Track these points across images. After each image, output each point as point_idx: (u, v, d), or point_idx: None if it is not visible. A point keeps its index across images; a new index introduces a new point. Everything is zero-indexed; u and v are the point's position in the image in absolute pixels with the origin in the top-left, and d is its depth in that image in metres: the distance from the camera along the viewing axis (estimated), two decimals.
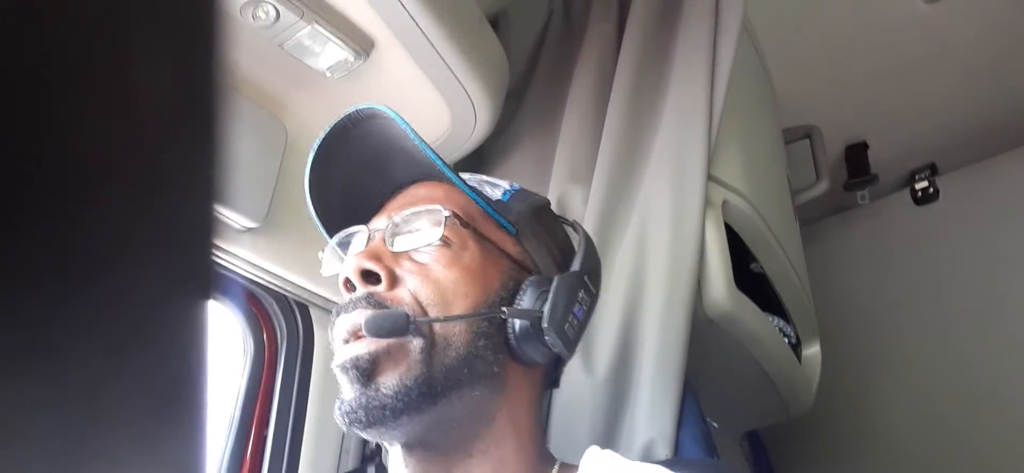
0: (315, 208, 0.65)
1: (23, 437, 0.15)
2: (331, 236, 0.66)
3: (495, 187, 0.67)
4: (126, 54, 0.16)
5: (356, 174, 0.65)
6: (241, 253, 0.90)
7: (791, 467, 1.76)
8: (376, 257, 0.59)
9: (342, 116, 0.62)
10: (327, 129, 0.63)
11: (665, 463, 0.69)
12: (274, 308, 1.00)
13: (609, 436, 0.84)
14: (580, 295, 0.63)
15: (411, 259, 0.60)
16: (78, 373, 0.16)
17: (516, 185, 0.69)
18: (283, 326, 1.01)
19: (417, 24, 0.82)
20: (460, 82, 0.90)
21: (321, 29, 0.82)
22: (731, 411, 1.25)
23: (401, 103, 0.94)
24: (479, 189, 0.64)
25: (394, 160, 0.64)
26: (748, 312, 0.98)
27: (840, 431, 1.79)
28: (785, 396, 1.18)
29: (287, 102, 0.95)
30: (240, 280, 0.94)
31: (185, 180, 0.17)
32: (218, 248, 0.89)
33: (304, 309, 1.01)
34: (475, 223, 0.62)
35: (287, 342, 1.00)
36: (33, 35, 0.14)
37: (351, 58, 0.86)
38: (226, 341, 0.98)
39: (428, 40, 0.83)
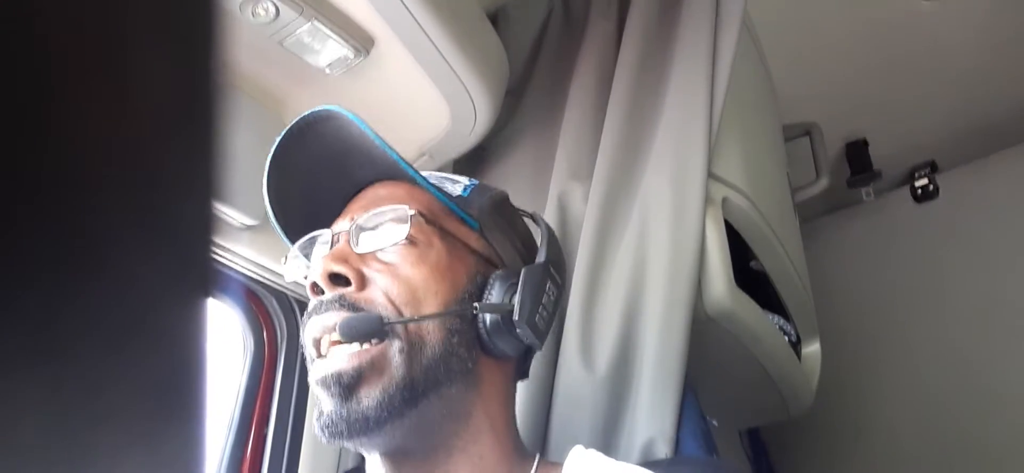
0: (276, 214, 0.65)
1: (22, 436, 0.15)
2: (294, 241, 0.66)
3: (455, 184, 0.68)
4: (125, 51, 0.16)
5: (314, 177, 0.65)
6: (241, 250, 0.90)
7: (791, 465, 1.77)
8: (343, 259, 0.59)
9: (296, 119, 0.61)
10: (281, 134, 0.62)
11: (659, 463, 0.69)
12: (274, 306, 1.01)
13: (609, 434, 0.84)
14: (547, 285, 0.63)
15: (377, 259, 0.60)
16: (77, 372, 0.15)
17: (474, 181, 0.69)
18: (283, 324, 1.01)
19: (417, 21, 0.81)
20: (460, 79, 0.90)
21: (321, 26, 0.82)
22: (731, 409, 1.25)
23: (401, 100, 0.94)
24: (440, 186, 0.65)
25: (353, 161, 0.64)
26: (748, 310, 0.98)
27: (840, 429, 1.79)
28: (785, 394, 1.18)
29: (287, 99, 0.95)
30: (240, 278, 0.94)
31: (184, 177, 0.17)
32: (217, 245, 0.89)
33: (304, 307, 1.01)
34: (439, 220, 0.62)
35: (287, 340, 1.00)
36: (31, 33, 0.14)
37: (351, 55, 0.86)
38: (226, 339, 0.98)
39: (428, 37, 0.83)
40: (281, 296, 1.00)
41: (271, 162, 0.63)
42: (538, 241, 0.69)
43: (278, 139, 0.62)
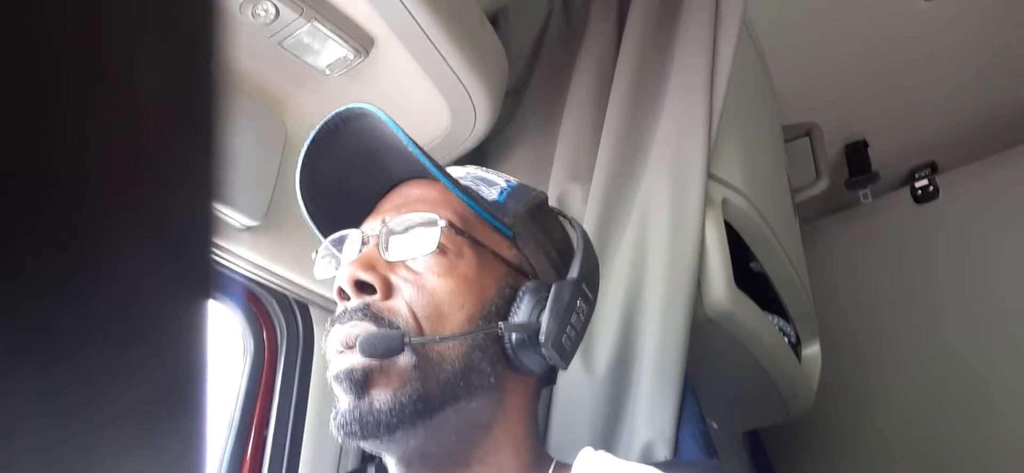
0: (307, 207, 0.64)
1: (22, 437, 0.15)
2: (325, 236, 0.65)
3: (491, 186, 0.66)
4: (125, 52, 0.16)
5: (347, 173, 0.64)
6: (241, 252, 0.90)
7: (791, 467, 1.76)
8: (370, 266, 0.58)
9: (330, 115, 0.61)
10: (316, 128, 0.62)
11: (662, 464, 0.69)
12: (274, 307, 1.00)
13: (609, 435, 0.84)
14: (578, 303, 0.61)
15: (406, 266, 0.59)
16: (77, 373, 0.15)
17: (513, 181, 0.68)
18: (283, 325, 1.01)
19: (417, 22, 0.81)
20: (460, 80, 0.90)
21: (321, 27, 0.82)
22: (731, 411, 1.25)
23: (400, 101, 0.94)
24: (475, 190, 0.63)
25: (386, 158, 0.63)
26: (748, 311, 0.98)
27: (840, 431, 1.79)
28: (785, 396, 1.18)
29: (287, 100, 0.94)
30: (240, 279, 0.94)
31: (184, 178, 0.17)
32: (218, 247, 0.89)
33: (304, 308, 1.01)
34: (470, 228, 0.61)
35: (287, 341, 1.00)
36: (31, 33, 0.14)
37: (351, 56, 0.86)
38: (226, 340, 0.97)
39: (428, 38, 0.83)
40: (281, 297, 1.00)
41: (305, 155, 0.62)
42: (575, 247, 0.67)
43: (313, 132, 0.62)
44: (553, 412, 0.86)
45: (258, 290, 0.98)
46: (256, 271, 0.92)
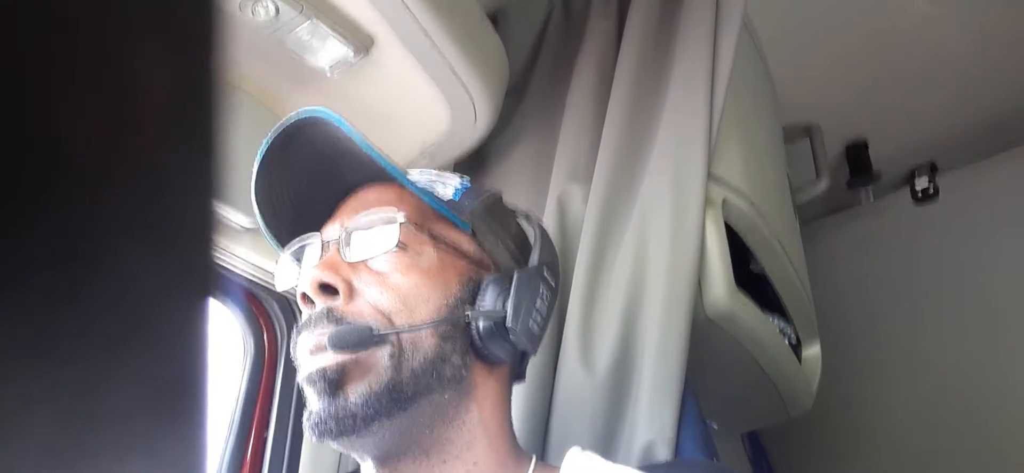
0: (265, 218, 0.64)
1: (22, 436, 0.15)
2: (283, 246, 0.65)
3: (446, 185, 0.67)
4: (125, 51, 0.16)
5: (304, 180, 0.64)
6: (241, 252, 0.90)
7: (791, 467, 1.77)
8: (333, 269, 0.58)
9: (283, 123, 0.60)
10: (270, 137, 0.61)
11: (659, 466, 0.69)
12: (274, 308, 1.00)
13: (609, 436, 0.84)
14: (541, 289, 0.63)
15: (368, 268, 0.59)
16: (78, 372, 0.15)
17: (466, 181, 0.68)
18: (283, 326, 1.01)
19: (417, 21, 0.81)
20: (460, 80, 0.90)
21: (321, 25, 0.82)
22: (731, 411, 1.25)
23: (400, 100, 0.94)
24: (430, 189, 0.64)
25: (343, 164, 0.63)
26: (748, 312, 0.98)
27: (840, 431, 1.79)
28: (785, 396, 1.18)
29: (287, 99, 0.94)
30: (240, 279, 0.94)
31: (184, 178, 0.17)
32: (218, 247, 0.89)
33: None
34: (430, 224, 0.61)
35: (287, 342, 1.00)
36: (31, 32, 0.14)
37: (351, 55, 0.86)
38: (226, 341, 0.97)
39: (428, 37, 0.83)
40: (281, 298, 1.00)
41: (259, 166, 0.62)
42: (532, 241, 0.68)
43: (266, 143, 0.61)
44: (553, 412, 0.86)
45: (258, 291, 0.98)
46: (256, 271, 0.92)
